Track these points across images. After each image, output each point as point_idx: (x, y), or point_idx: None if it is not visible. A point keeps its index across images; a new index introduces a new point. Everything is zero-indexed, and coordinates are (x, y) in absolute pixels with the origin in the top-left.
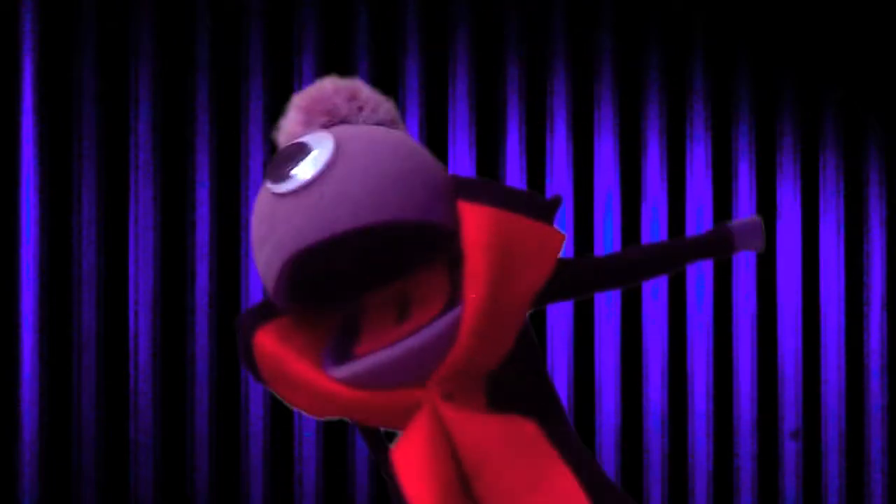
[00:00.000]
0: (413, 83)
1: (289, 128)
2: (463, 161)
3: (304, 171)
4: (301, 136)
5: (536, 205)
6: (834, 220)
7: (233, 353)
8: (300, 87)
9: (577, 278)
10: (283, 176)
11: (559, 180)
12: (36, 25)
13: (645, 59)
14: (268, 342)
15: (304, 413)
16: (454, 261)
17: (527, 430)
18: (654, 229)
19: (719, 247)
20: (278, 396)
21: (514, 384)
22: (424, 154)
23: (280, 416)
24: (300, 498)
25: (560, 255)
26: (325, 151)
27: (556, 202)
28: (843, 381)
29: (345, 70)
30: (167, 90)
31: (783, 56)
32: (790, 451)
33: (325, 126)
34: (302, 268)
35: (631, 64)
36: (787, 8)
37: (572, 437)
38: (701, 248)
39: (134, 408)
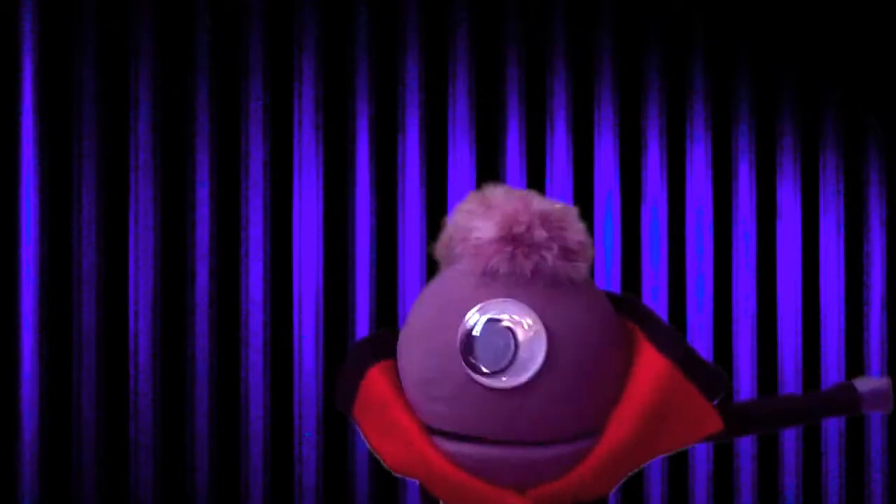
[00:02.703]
0: (413, 83)
1: (476, 237)
2: (463, 161)
3: (511, 369)
4: (485, 247)
5: (709, 377)
6: (834, 220)
7: (232, 353)
8: (300, 87)
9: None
10: (488, 364)
11: (559, 180)
12: (36, 25)
13: (645, 59)
14: (380, 382)
15: (380, 458)
16: None
17: None
18: (653, 229)
19: (846, 410)
20: (360, 431)
21: None
22: (614, 322)
23: (280, 416)
24: (300, 498)
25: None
26: (538, 353)
27: (724, 384)
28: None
29: (345, 70)
30: (167, 90)
31: (783, 56)
32: (790, 451)
33: (521, 256)
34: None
35: (631, 64)
36: (787, 8)
37: None
38: (830, 411)
39: (134, 408)
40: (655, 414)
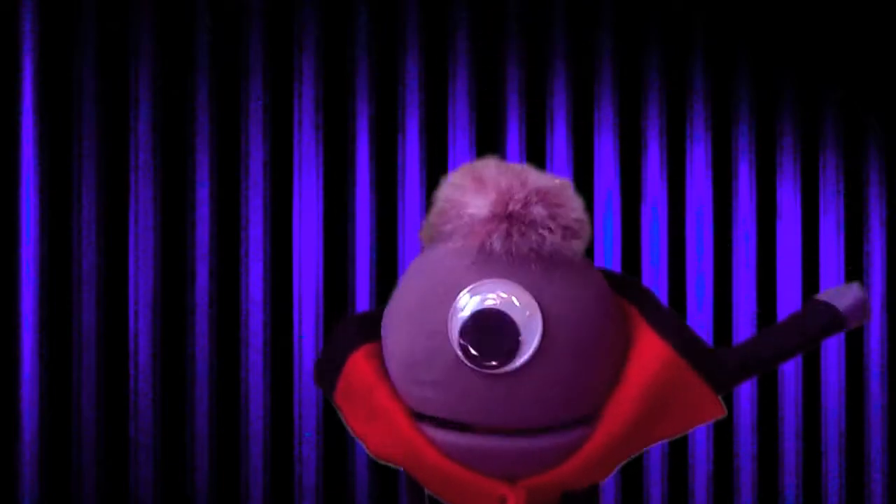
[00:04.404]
0: (413, 83)
1: (469, 214)
2: (463, 161)
3: (502, 357)
4: (479, 225)
5: (710, 360)
6: (834, 220)
7: (232, 353)
8: (300, 87)
9: None
10: (481, 351)
11: None
12: (36, 25)
13: (645, 59)
14: (364, 367)
15: (363, 444)
16: None
17: None
18: (654, 229)
19: (833, 333)
20: (341, 415)
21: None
22: (612, 303)
23: (280, 416)
24: (300, 498)
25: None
26: (533, 337)
27: (728, 375)
28: (843, 381)
29: (345, 70)
30: (167, 90)
31: (783, 56)
32: (790, 451)
33: (517, 235)
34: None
35: (631, 64)
36: (787, 8)
37: None
38: (821, 339)
39: (134, 408)
40: (655, 400)
